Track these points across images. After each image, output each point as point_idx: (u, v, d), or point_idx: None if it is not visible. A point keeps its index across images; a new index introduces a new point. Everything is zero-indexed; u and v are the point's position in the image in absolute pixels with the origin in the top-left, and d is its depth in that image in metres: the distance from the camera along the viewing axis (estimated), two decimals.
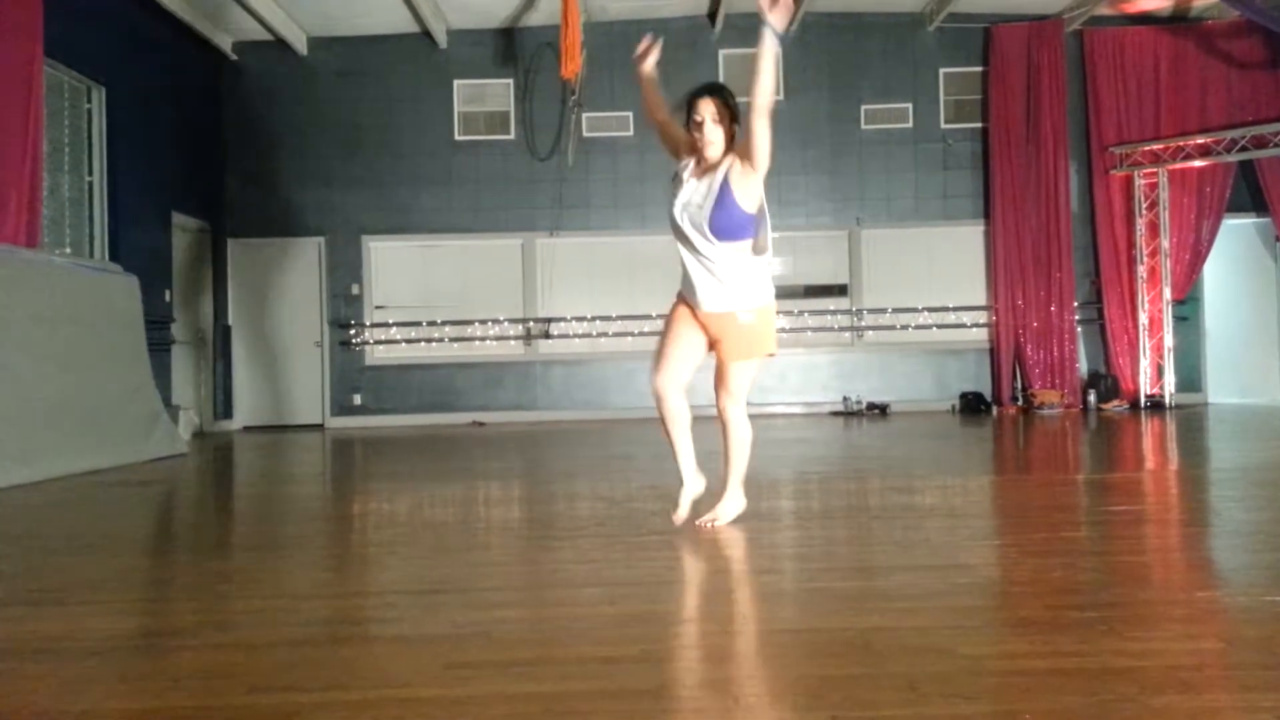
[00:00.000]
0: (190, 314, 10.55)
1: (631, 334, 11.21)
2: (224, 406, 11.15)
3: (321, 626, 2.50)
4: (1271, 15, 10.04)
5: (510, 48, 11.51)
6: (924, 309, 11.47)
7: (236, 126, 11.45)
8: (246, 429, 11.18)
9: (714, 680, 1.96)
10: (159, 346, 9.11)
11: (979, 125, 11.57)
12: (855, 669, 2.04)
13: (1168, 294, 11.21)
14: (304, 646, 2.30)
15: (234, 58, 11.36)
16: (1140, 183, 11.26)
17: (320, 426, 11.28)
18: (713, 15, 11.26)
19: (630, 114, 11.34)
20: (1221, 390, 11.78)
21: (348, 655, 2.23)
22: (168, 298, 9.81)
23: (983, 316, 11.59)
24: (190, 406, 10.06)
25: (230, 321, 11.32)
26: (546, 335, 11.44)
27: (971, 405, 11.27)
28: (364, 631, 2.46)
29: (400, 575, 3.15)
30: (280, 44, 11.17)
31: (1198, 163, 10.98)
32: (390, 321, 11.46)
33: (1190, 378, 11.56)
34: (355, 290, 11.44)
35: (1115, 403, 11.23)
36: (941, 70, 11.57)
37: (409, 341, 11.48)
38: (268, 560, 3.45)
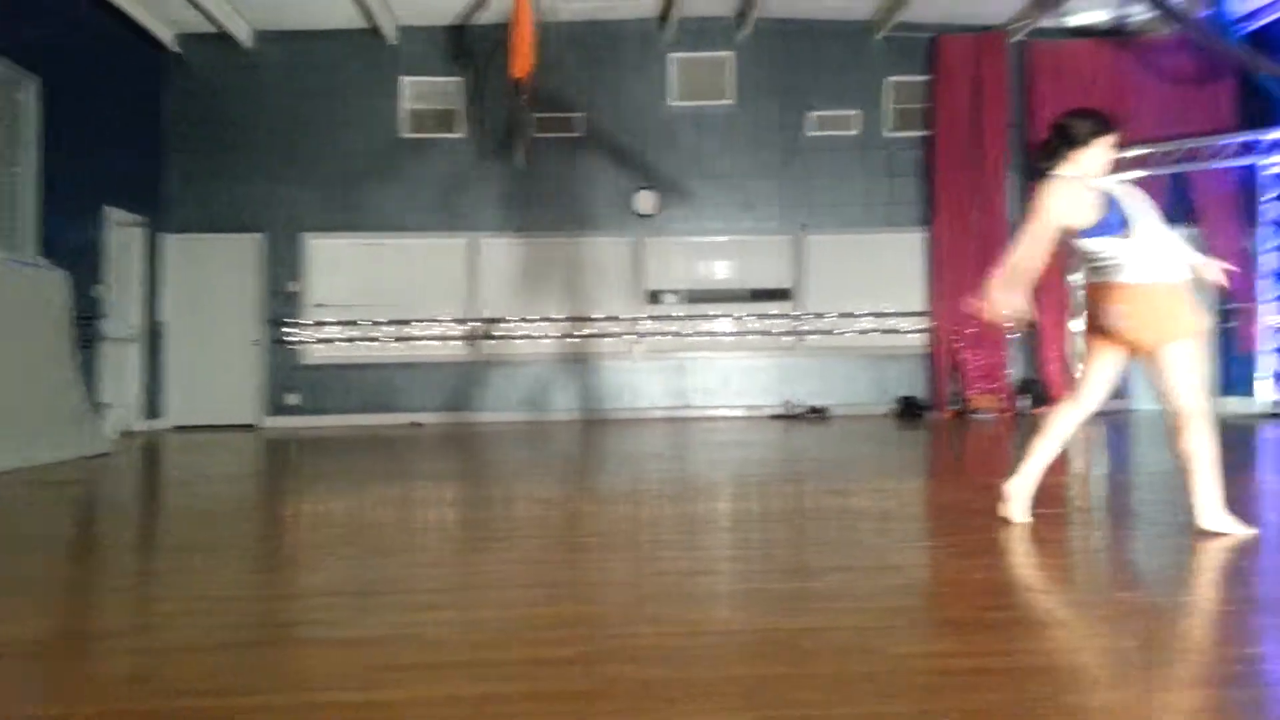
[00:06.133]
0: (123, 310, 10.29)
1: (575, 336, 11.19)
2: (154, 405, 10.90)
3: (251, 629, 2.46)
4: (1203, 31, 10.36)
5: (461, 45, 11.43)
6: (865, 314, 11.63)
7: (177, 120, 11.20)
8: (177, 428, 10.94)
9: (647, 681, 1.98)
10: (89, 343, 8.88)
11: (923, 133, 11.76)
12: (786, 669, 2.07)
13: None
14: (232, 650, 2.27)
15: (176, 50, 11.12)
16: None
17: (253, 426, 11.08)
18: (664, 18, 11.30)
19: (582, 115, 11.33)
20: (1147, 398, 12.12)
21: (277, 659, 2.21)
22: (99, 294, 9.56)
23: (922, 322, 11.78)
24: (119, 405, 9.81)
25: (164, 318, 11.06)
26: (489, 336, 11.37)
27: (907, 409, 11.44)
28: (294, 634, 2.43)
29: (333, 577, 3.11)
30: (224, 37, 10.96)
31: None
32: (330, 320, 11.30)
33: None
34: (294, 288, 11.26)
35: (1047, 408, 11.49)
36: (888, 79, 11.74)
37: (348, 340, 11.32)
38: (194, 562, 3.39)
